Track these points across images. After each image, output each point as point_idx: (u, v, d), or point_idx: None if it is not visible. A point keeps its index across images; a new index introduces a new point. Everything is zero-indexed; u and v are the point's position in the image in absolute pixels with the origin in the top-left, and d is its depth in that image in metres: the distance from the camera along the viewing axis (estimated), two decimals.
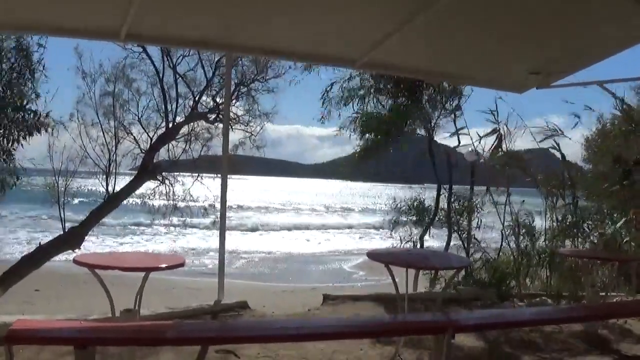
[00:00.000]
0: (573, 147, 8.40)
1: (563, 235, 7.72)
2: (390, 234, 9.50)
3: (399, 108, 9.24)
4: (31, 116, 7.17)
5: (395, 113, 9.23)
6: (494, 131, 8.04)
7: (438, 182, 9.35)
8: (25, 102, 7.17)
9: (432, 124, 9.51)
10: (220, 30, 4.76)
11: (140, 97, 8.37)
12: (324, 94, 9.41)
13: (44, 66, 7.33)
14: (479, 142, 8.27)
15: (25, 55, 7.21)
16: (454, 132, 8.74)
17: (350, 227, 33.76)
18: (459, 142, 9.31)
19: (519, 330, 5.23)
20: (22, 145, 7.23)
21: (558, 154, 8.15)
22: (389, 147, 9.89)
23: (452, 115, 9.27)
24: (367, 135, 9.58)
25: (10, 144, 7.09)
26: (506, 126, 7.98)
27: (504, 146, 8.01)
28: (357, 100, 9.30)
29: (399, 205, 9.30)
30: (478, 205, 8.55)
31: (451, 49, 5.03)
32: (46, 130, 7.39)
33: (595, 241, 7.75)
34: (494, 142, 8.03)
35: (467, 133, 8.40)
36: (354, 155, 10.17)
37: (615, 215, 7.79)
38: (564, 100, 8.32)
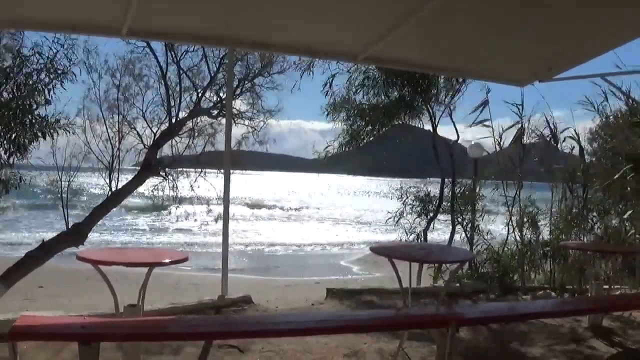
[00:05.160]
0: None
1: (569, 227, 7.70)
2: (394, 225, 9.48)
3: (399, 99, 9.16)
4: (39, 121, 7.15)
5: (391, 103, 9.15)
6: (516, 124, 8.06)
7: (442, 175, 9.32)
8: (35, 107, 7.16)
9: (437, 118, 9.47)
10: (221, 24, 4.75)
11: (146, 92, 8.29)
12: (325, 86, 9.32)
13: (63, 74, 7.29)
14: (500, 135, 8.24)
15: (49, 64, 7.18)
16: (475, 122, 8.54)
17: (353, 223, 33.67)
18: (458, 137, 9.33)
19: (522, 323, 5.23)
20: (26, 149, 7.20)
21: (558, 147, 8.16)
22: (377, 137, 9.76)
23: (449, 109, 9.25)
24: (355, 121, 9.42)
25: (16, 148, 7.08)
26: (528, 120, 8.01)
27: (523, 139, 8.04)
28: (365, 89, 9.18)
29: (403, 196, 9.29)
30: (485, 198, 8.54)
31: (453, 43, 5.00)
32: (52, 137, 7.38)
33: (600, 233, 7.74)
34: (515, 134, 8.06)
35: (490, 125, 8.30)
36: (348, 147, 10.05)
37: (620, 207, 7.76)
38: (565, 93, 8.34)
